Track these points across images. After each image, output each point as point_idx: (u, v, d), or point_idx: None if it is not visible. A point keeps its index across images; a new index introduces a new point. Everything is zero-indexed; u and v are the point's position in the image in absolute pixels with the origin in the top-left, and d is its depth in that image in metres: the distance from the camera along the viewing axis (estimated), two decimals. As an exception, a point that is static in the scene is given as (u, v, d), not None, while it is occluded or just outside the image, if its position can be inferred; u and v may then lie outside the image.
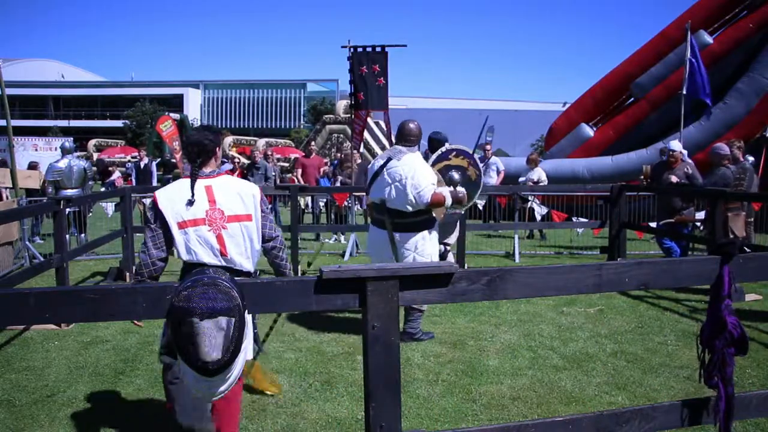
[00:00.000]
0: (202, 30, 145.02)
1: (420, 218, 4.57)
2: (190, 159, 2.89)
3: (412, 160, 4.56)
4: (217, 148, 2.93)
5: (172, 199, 2.80)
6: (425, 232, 4.62)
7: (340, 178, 11.62)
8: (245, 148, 25.21)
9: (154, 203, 2.82)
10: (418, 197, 4.44)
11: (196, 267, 2.70)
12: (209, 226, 2.78)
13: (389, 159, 4.61)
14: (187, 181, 2.84)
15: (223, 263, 2.78)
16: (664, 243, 7.41)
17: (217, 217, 2.80)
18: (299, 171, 12.19)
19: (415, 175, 4.45)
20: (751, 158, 7.17)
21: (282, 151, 24.28)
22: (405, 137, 4.69)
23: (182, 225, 2.78)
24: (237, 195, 2.87)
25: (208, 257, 2.78)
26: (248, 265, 2.89)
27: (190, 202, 2.77)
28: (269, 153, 13.00)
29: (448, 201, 4.59)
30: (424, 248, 4.62)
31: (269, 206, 3.17)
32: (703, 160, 9.23)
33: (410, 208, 4.50)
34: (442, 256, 5.66)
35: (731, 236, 6.57)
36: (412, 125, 4.72)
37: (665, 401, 3.00)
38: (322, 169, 12.60)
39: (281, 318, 4.56)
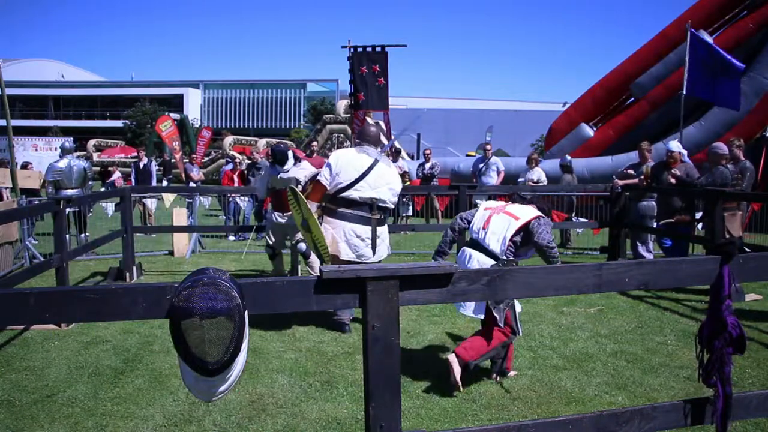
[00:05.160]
0: (202, 30, 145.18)
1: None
2: None
3: (393, 165, 5.15)
4: None
5: None
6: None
7: None
8: (245, 148, 25.24)
9: None
10: (396, 198, 5.13)
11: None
12: None
13: (376, 161, 4.92)
14: None
15: None
16: (664, 243, 7.41)
17: None
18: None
19: (399, 181, 5.12)
20: (731, 166, 7.16)
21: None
22: (377, 140, 5.16)
23: None
24: None
25: None
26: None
27: None
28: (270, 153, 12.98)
29: None
30: (387, 236, 5.24)
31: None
32: (702, 160, 9.23)
33: (392, 207, 5.12)
34: (306, 253, 6.44)
35: (727, 236, 6.58)
36: (375, 128, 5.25)
37: (665, 401, 3.00)
38: None
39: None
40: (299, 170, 6.45)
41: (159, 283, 1.90)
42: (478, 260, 3.96)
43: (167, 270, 8.25)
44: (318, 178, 5.04)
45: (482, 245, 3.99)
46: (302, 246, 6.55)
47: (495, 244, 3.94)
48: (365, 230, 4.88)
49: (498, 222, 4.00)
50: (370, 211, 4.88)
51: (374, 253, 4.93)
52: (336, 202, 4.91)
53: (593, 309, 5.93)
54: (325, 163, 5.05)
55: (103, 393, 3.92)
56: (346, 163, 4.88)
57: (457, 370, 3.78)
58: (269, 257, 6.84)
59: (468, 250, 4.07)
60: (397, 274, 1.99)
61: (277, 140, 6.99)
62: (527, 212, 4.03)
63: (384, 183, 4.90)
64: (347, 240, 4.86)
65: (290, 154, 6.44)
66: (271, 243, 6.72)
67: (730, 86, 8.60)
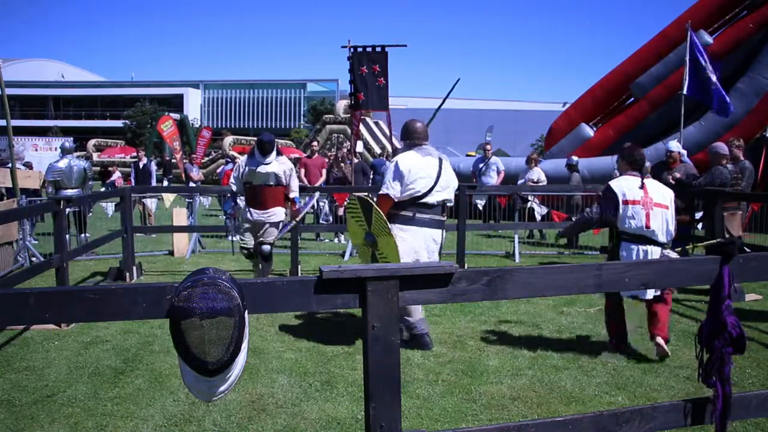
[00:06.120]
0: (202, 30, 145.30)
1: None
2: None
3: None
4: None
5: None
6: None
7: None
8: (245, 147, 25.25)
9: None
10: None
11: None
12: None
13: (441, 160, 4.75)
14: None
15: None
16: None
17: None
18: (302, 171, 12.18)
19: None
20: (731, 166, 7.16)
21: (282, 151, 24.28)
22: (427, 135, 4.87)
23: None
24: None
25: None
26: None
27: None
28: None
29: None
30: None
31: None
32: (702, 160, 9.23)
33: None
34: (267, 255, 6.50)
35: (727, 236, 6.58)
36: (420, 123, 4.90)
37: (665, 401, 3.00)
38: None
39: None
40: (279, 165, 6.34)
41: (159, 283, 1.90)
42: (654, 253, 4.37)
43: (167, 270, 8.25)
44: (385, 191, 4.59)
45: (652, 239, 4.38)
46: (266, 248, 6.45)
47: (662, 236, 4.40)
48: (439, 234, 4.70)
49: (657, 217, 4.37)
50: (441, 213, 4.70)
51: (440, 256, 4.77)
52: (408, 208, 4.58)
53: (593, 309, 5.92)
54: (392, 172, 4.60)
55: (103, 393, 3.92)
56: (418, 170, 4.57)
57: (664, 348, 4.43)
58: (248, 257, 6.69)
59: (636, 246, 4.42)
60: (397, 274, 1.99)
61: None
62: (668, 197, 4.48)
63: (452, 182, 4.75)
64: (428, 247, 4.62)
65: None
66: (247, 244, 6.53)
67: (718, 93, 8.73)
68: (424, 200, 4.58)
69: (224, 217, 6.69)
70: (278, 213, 6.47)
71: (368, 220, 4.51)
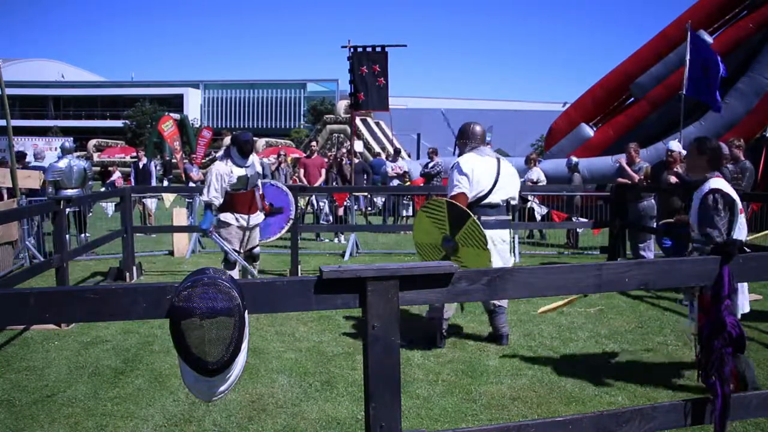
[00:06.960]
0: (202, 30, 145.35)
1: None
2: None
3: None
4: None
5: None
6: None
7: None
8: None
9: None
10: None
11: None
12: None
13: (499, 160, 4.81)
14: None
15: None
16: (664, 243, 7.41)
17: None
18: (301, 171, 12.20)
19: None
20: (731, 166, 7.10)
21: (286, 151, 24.35)
22: (485, 139, 4.91)
23: None
24: None
25: None
26: None
27: None
28: (282, 154, 13.38)
29: None
30: None
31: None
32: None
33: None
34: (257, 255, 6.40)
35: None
36: (480, 127, 4.94)
37: (665, 401, 3.00)
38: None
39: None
40: (258, 162, 6.20)
41: (159, 283, 1.90)
42: None
43: (167, 270, 8.26)
44: (459, 190, 4.61)
45: None
46: (258, 250, 6.30)
47: None
48: (507, 234, 4.78)
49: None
50: (507, 213, 4.78)
51: (512, 254, 4.79)
52: (473, 210, 4.54)
53: (593, 309, 5.92)
54: (456, 173, 4.65)
55: (103, 393, 3.92)
56: (481, 170, 4.64)
57: None
58: (227, 268, 5.95)
59: None
60: (397, 274, 1.99)
61: (244, 136, 6.30)
62: None
63: (513, 181, 4.82)
64: (496, 248, 4.62)
65: None
66: (237, 249, 6.06)
67: (714, 88, 8.70)
68: (487, 200, 4.64)
69: (213, 236, 5.99)
70: (260, 212, 6.30)
71: (455, 226, 4.36)
